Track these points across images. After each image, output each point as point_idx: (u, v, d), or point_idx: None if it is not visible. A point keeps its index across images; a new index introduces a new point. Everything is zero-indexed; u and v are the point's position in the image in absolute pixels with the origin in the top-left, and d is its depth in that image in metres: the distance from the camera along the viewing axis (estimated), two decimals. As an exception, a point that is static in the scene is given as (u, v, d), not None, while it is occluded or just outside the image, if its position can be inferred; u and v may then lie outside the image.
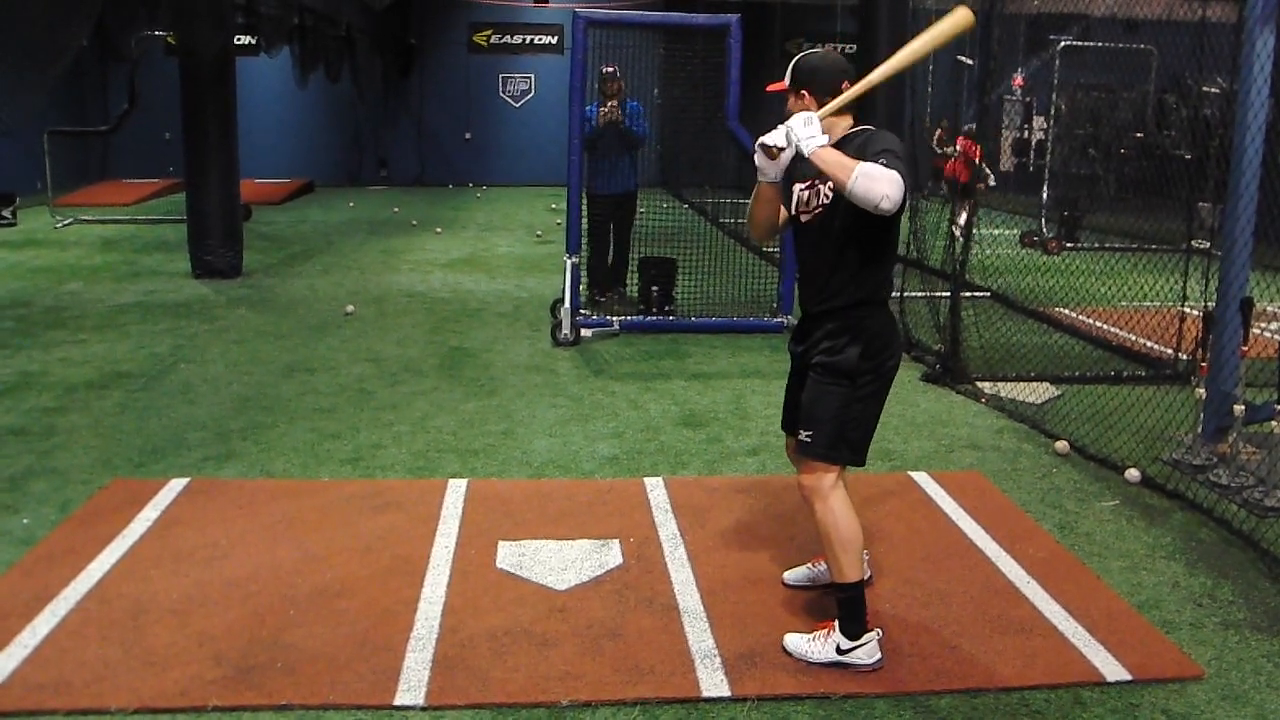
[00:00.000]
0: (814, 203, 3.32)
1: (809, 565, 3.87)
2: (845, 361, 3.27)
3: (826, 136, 3.11)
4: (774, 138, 3.12)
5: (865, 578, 3.43)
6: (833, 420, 3.27)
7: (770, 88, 3.48)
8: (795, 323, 3.65)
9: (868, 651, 3.27)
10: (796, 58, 3.40)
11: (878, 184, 2.95)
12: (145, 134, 18.30)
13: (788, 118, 3.22)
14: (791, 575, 3.88)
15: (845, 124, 3.31)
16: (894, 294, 7.77)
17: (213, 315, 8.51)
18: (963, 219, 9.77)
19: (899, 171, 2.99)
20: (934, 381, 6.76)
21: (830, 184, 3.21)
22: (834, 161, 3.04)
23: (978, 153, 9.33)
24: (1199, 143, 10.11)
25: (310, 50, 16.87)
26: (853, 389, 3.27)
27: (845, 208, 3.18)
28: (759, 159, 3.18)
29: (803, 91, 3.31)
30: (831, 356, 3.29)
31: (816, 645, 3.32)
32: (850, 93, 3.25)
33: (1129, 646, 3.45)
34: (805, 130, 3.08)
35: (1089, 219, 13.37)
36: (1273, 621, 3.69)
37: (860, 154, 3.09)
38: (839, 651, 3.28)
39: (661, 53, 10.94)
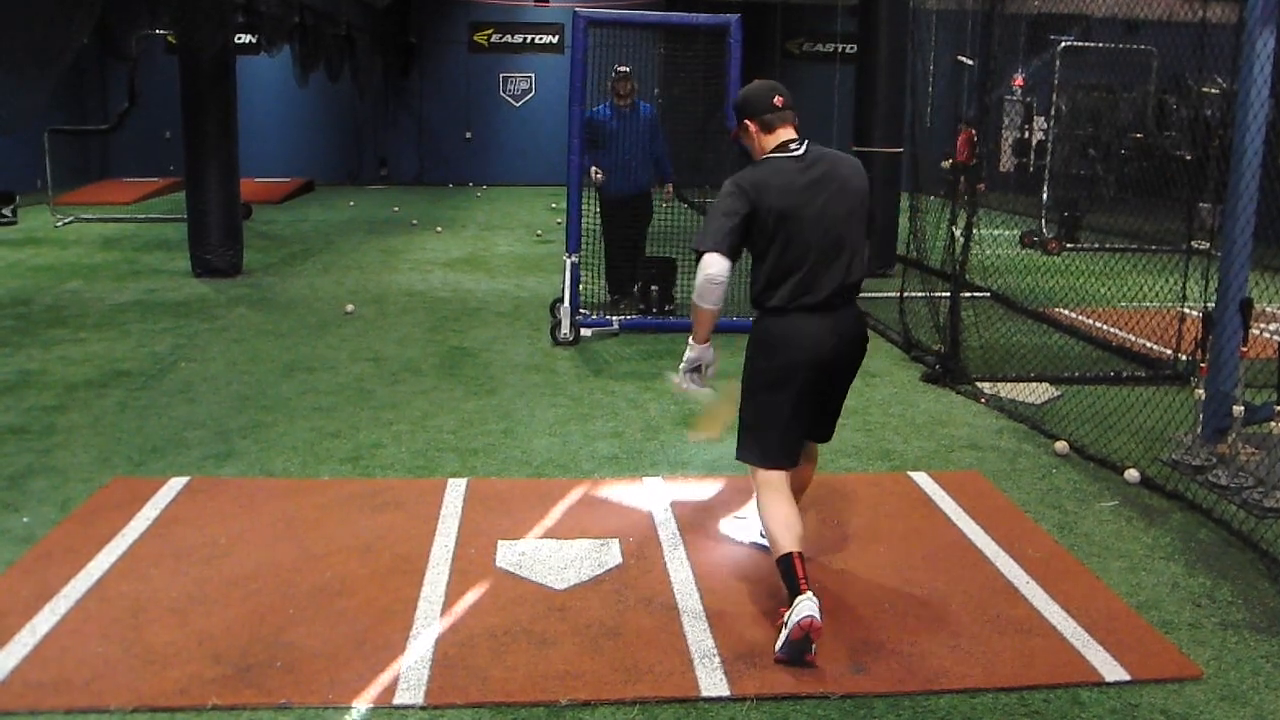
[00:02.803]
0: None
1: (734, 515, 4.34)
2: (744, 365, 3.69)
3: (693, 353, 3.68)
4: (691, 386, 3.70)
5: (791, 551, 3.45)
6: (739, 423, 3.69)
7: (732, 137, 3.90)
8: None
9: (797, 611, 3.25)
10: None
11: (699, 292, 3.51)
12: (145, 133, 18.27)
13: (742, 150, 3.76)
14: (726, 526, 4.31)
15: (770, 144, 3.64)
16: (896, 294, 7.80)
17: (213, 314, 8.51)
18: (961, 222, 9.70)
19: (704, 241, 3.48)
20: (934, 382, 6.77)
21: None
22: (699, 325, 3.62)
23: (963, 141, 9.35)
24: (1199, 143, 10.11)
25: (311, 49, 16.83)
26: (746, 391, 3.68)
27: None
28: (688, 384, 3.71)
29: (745, 121, 3.67)
30: None
31: (781, 637, 3.32)
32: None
33: (1128, 647, 3.46)
34: (691, 371, 3.70)
35: (1089, 219, 13.36)
36: (1272, 622, 3.69)
37: None
38: (782, 629, 3.30)
39: (662, 52, 10.93)
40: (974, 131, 9.95)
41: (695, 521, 4.43)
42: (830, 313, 3.54)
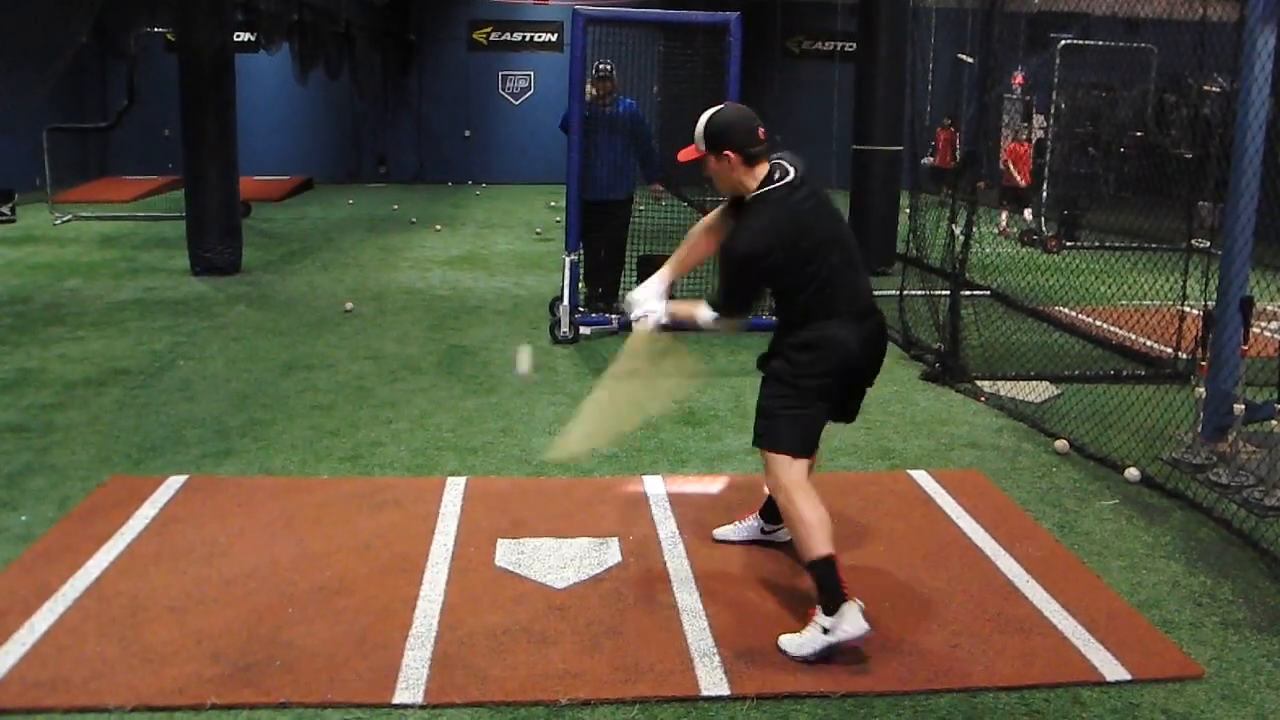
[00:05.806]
0: None
1: (735, 522, 4.21)
2: (777, 370, 3.57)
3: (661, 303, 3.68)
4: (644, 327, 3.72)
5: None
6: (766, 412, 3.55)
7: (682, 157, 3.58)
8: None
9: (850, 622, 3.25)
10: (703, 120, 3.48)
11: (701, 320, 3.59)
12: (144, 131, 18.27)
13: (711, 179, 3.55)
14: (720, 532, 4.20)
15: (759, 176, 3.46)
16: (896, 292, 7.79)
17: (212, 312, 8.50)
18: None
19: (722, 288, 3.51)
20: (933, 380, 6.76)
21: None
22: (685, 314, 3.64)
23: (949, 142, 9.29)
24: (1199, 142, 10.11)
25: (310, 47, 16.84)
26: (783, 391, 3.52)
27: None
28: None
29: (725, 151, 3.42)
30: (770, 366, 3.62)
31: (805, 637, 3.32)
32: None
33: (1128, 646, 3.45)
34: (646, 308, 3.69)
35: (1089, 218, 13.37)
36: (1272, 621, 3.69)
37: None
38: (824, 632, 3.27)
39: (661, 50, 10.90)
40: (955, 131, 9.88)
41: (695, 519, 4.42)
42: (864, 320, 3.50)
